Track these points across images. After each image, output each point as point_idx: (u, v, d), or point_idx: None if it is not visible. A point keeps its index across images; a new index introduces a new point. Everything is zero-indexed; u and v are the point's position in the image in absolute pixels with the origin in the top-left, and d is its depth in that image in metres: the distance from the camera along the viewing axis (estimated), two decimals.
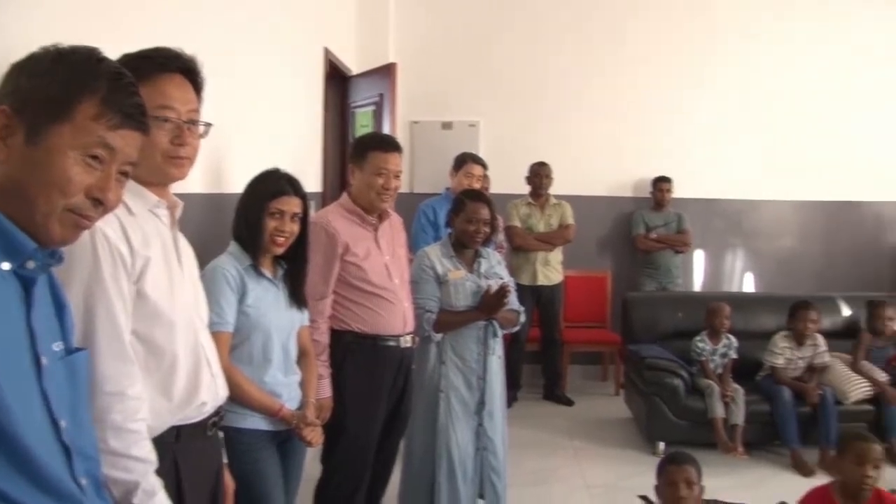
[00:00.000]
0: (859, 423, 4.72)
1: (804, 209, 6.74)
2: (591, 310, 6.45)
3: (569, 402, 5.90)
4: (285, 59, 4.28)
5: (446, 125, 6.52)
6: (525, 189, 5.94)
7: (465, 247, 3.43)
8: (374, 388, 3.09)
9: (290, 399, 2.57)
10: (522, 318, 3.59)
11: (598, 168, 6.52)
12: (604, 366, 6.55)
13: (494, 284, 3.33)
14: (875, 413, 4.84)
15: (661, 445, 4.81)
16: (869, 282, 6.29)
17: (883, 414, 4.81)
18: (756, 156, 6.54)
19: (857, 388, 4.85)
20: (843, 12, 6.55)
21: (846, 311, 5.46)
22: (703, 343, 4.99)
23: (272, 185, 2.54)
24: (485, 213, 3.39)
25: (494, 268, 3.50)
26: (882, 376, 4.94)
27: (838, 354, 5.09)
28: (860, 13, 6.55)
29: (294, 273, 2.60)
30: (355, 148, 3.21)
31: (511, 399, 5.81)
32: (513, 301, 3.47)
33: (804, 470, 4.58)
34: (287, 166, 2.64)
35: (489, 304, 3.30)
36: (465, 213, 3.39)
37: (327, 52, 5.21)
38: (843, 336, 5.28)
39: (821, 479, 3.56)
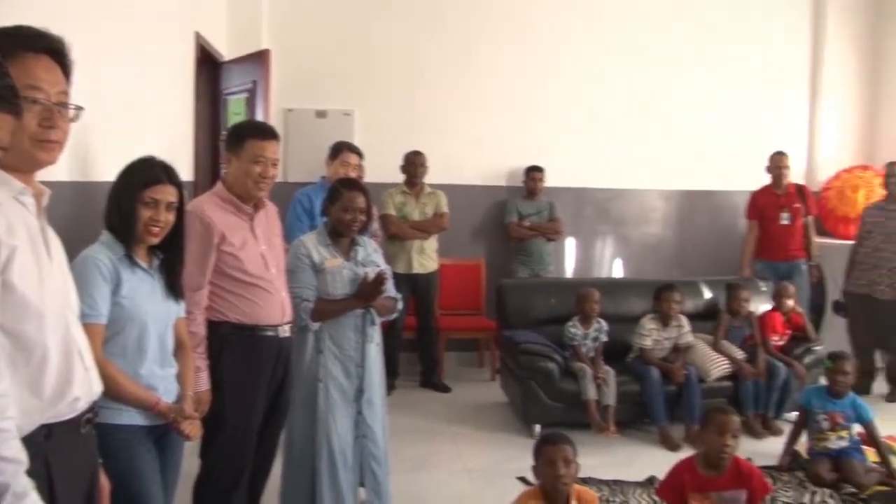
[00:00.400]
0: (720, 399, 5.00)
1: (668, 198, 7.07)
2: (466, 297, 6.55)
3: (446, 389, 5.98)
4: (154, 43, 4.12)
5: (321, 113, 6.45)
6: (400, 178, 5.96)
7: (341, 235, 3.42)
8: (253, 380, 3.04)
9: (166, 392, 2.49)
10: (400, 306, 3.61)
11: (472, 157, 6.62)
12: (480, 352, 6.66)
13: (371, 272, 3.34)
14: (733, 388, 5.14)
15: (537, 428, 4.92)
16: (726, 266, 6.63)
17: (740, 389, 5.12)
18: (624, 146, 6.80)
19: (717, 367, 5.14)
20: (705, 8, 6.91)
21: (707, 294, 5.76)
22: (574, 328, 5.15)
23: (146, 173, 2.44)
24: (361, 201, 3.39)
25: (371, 256, 3.50)
26: (739, 354, 5.24)
27: (700, 335, 5.37)
28: (720, 10, 6.92)
29: (170, 263, 2.52)
30: (231, 135, 3.14)
31: (389, 387, 5.82)
32: (390, 289, 3.48)
33: (671, 445, 4.80)
34: (156, 154, 2.54)
35: (366, 291, 3.30)
36: (341, 202, 3.38)
37: (198, 37, 5.06)
38: (704, 318, 5.57)
39: (687, 453, 3.73)
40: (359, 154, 4.97)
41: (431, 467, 4.53)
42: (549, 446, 2.95)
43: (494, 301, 5.84)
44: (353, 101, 6.51)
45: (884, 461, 4.43)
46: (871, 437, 4.48)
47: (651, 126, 6.85)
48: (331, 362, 3.35)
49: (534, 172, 6.45)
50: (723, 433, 3.23)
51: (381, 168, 6.01)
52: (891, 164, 5.89)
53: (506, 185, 6.70)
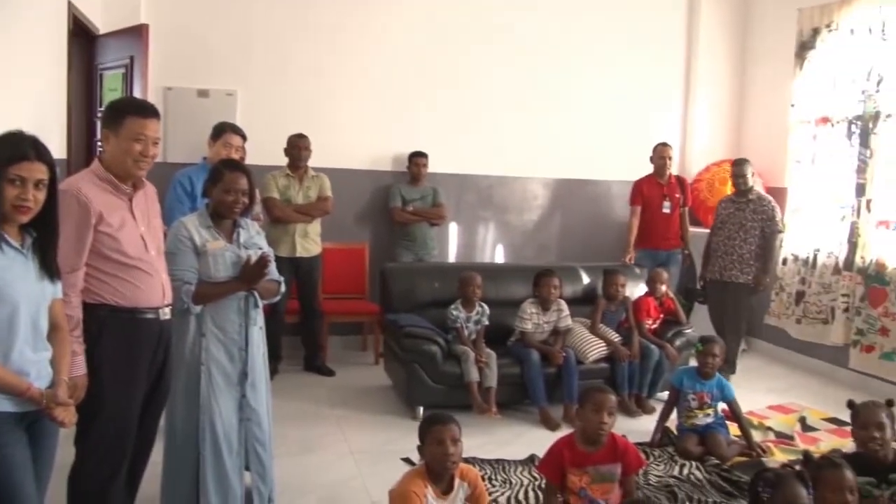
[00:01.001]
0: (597, 380, 5.20)
1: (549, 185, 7.27)
2: (349, 281, 6.54)
3: (330, 373, 5.97)
4: (21, 10, 3.91)
5: (202, 93, 6.27)
6: (283, 161, 5.88)
7: (223, 217, 3.35)
8: (132, 364, 2.95)
9: (39, 377, 2.38)
10: (282, 289, 3.58)
11: (357, 142, 6.60)
12: (363, 336, 6.67)
13: (254, 255, 3.29)
14: (609, 370, 5.35)
15: (420, 410, 4.99)
16: (604, 252, 6.89)
17: (615, 370, 5.33)
18: (507, 135, 6.95)
19: (594, 349, 5.33)
20: (586, 3, 7.11)
21: (585, 279, 5.95)
22: (457, 311, 5.23)
23: (11, 148, 2.31)
24: (243, 183, 3.33)
25: (254, 238, 3.45)
26: (615, 337, 5.46)
27: (579, 319, 5.56)
28: (601, 6, 7.14)
29: (44, 243, 2.41)
30: (110, 112, 3.01)
31: (272, 371, 5.75)
32: (273, 271, 3.45)
33: (551, 424, 4.96)
34: (25, 129, 2.40)
35: (249, 274, 3.25)
36: (222, 183, 3.31)
37: (71, 7, 4.83)
38: (582, 302, 5.76)
39: (566, 432, 3.86)
40: (242, 136, 4.88)
41: (316, 450, 4.52)
42: (437, 426, 2.99)
43: (378, 285, 5.87)
44: (236, 81, 6.37)
45: (745, 435, 4.73)
46: (734, 414, 4.77)
47: (533, 116, 7.02)
48: (214, 345, 3.29)
49: (418, 158, 6.49)
50: (600, 410, 3.37)
51: (264, 150, 5.91)
52: (738, 164, 6.25)
53: (391, 170, 6.72)
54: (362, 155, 6.63)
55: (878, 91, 6.17)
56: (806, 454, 3.24)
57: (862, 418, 3.46)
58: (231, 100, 6.31)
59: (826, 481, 2.97)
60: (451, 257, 6.96)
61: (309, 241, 5.84)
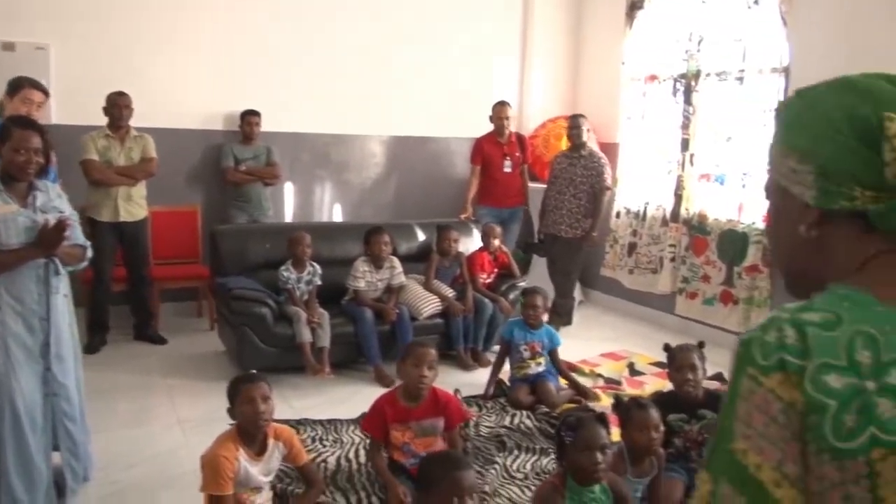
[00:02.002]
0: (432, 336, 5.24)
1: (387, 144, 7.21)
2: (181, 245, 6.28)
3: (162, 341, 5.74)
4: None
5: (7, 46, 5.77)
6: (103, 120, 5.53)
7: (15, 179, 3.12)
8: None
9: None
10: (89, 254, 3.38)
11: (185, 100, 6.29)
12: (198, 301, 6.45)
13: (52, 219, 3.09)
14: (444, 325, 5.40)
15: (260, 374, 4.87)
16: (443, 210, 6.90)
17: (450, 325, 5.38)
18: (343, 92, 6.80)
19: (428, 305, 5.36)
20: None
21: (421, 236, 5.96)
22: (287, 272, 5.13)
23: None
24: (35, 141, 3.10)
25: (53, 201, 3.23)
26: (449, 292, 5.50)
27: (414, 276, 5.56)
28: None
29: None
30: None
31: (99, 343, 5.52)
32: (77, 236, 3.26)
33: (386, 382, 4.94)
34: None
35: (47, 239, 3.03)
36: (12, 142, 3.07)
37: None
38: (418, 259, 5.78)
39: None
40: (44, 91, 4.55)
41: (144, 422, 4.37)
42: (246, 385, 2.92)
43: (209, 248, 5.67)
44: (48, 34, 5.88)
45: (571, 382, 4.92)
46: (553, 361, 4.93)
47: (370, 73, 6.91)
48: (10, 318, 3.07)
49: (250, 117, 6.27)
50: (419, 365, 3.38)
51: (81, 110, 5.58)
52: (573, 117, 6.42)
53: (222, 129, 6.46)
54: (191, 114, 6.34)
55: (699, 51, 6.43)
56: (616, 397, 3.38)
57: (677, 361, 3.62)
58: (42, 54, 5.84)
59: (634, 421, 3.11)
60: (288, 217, 6.81)
61: (133, 205, 5.55)
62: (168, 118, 6.15)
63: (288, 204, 6.82)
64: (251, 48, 6.45)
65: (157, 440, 4.13)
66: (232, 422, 2.96)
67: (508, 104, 6.62)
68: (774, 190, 1.06)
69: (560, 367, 4.93)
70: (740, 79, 6.05)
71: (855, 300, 0.91)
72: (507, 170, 6.58)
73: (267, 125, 6.34)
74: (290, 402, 4.64)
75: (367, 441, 3.94)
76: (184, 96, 6.27)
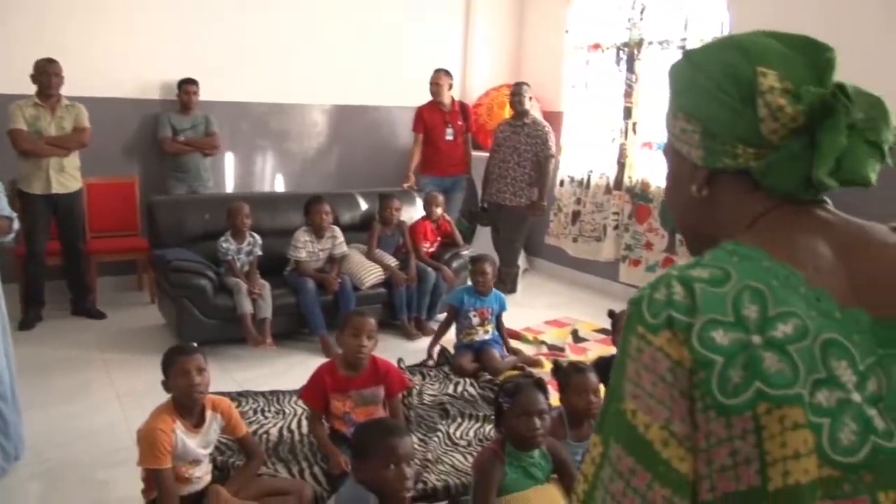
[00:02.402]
0: (375, 305, 5.22)
1: (329, 113, 7.11)
2: (119, 217, 6.13)
3: (100, 316, 5.62)
4: None
5: None
6: (32, 89, 5.34)
7: None
8: None
9: None
10: (16, 226, 3.28)
11: (120, 68, 6.10)
12: (138, 274, 6.32)
13: None
14: (387, 294, 5.38)
15: (195, 346, 4.81)
16: (386, 179, 6.86)
17: (393, 294, 5.36)
18: (283, 60, 6.68)
19: (371, 274, 5.33)
20: None
21: (364, 206, 5.91)
22: (227, 243, 5.05)
23: None
24: None
25: None
26: (392, 262, 5.48)
27: (356, 245, 5.52)
28: None
29: None
30: None
31: (34, 319, 5.39)
32: (2, 206, 3.15)
33: (330, 352, 4.87)
34: None
35: None
36: None
37: None
38: (360, 228, 5.74)
39: None
40: None
41: (80, 398, 4.28)
42: (180, 357, 2.87)
43: (147, 220, 5.55)
44: None
45: (509, 350, 4.97)
46: (498, 328, 4.96)
47: (312, 41, 6.80)
48: None
49: (188, 85, 6.11)
50: (359, 334, 3.36)
51: (9, 77, 5.37)
52: (517, 84, 6.41)
53: (159, 98, 6.29)
54: (127, 82, 6.16)
55: (641, 19, 6.45)
56: (555, 362, 3.40)
57: (619, 326, 3.66)
58: None
59: (572, 385, 3.14)
60: (229, 188, 6.69)
61: (66, 177, 5.38)
62: (102, 87, 5.98)
63: (228, 174, 6.70)
64: (188, 15, 6.28)
65: (94, 416, 4.05)
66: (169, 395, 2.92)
67: (446, 71, 6.57)
68: (669, 152, 1.07)
69: (502, 331, 4.97)
70: (682, 47, 6.09)
71: (743, 255, 0.91)
72: (450, 138, 6.55)
73: (205, 94, 6.20)
74: (232, 375, 4.58)
75: (308, 412, 3.93)
76: (118, 64, 6.09)
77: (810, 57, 0.94)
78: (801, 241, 0.93)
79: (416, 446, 3.13)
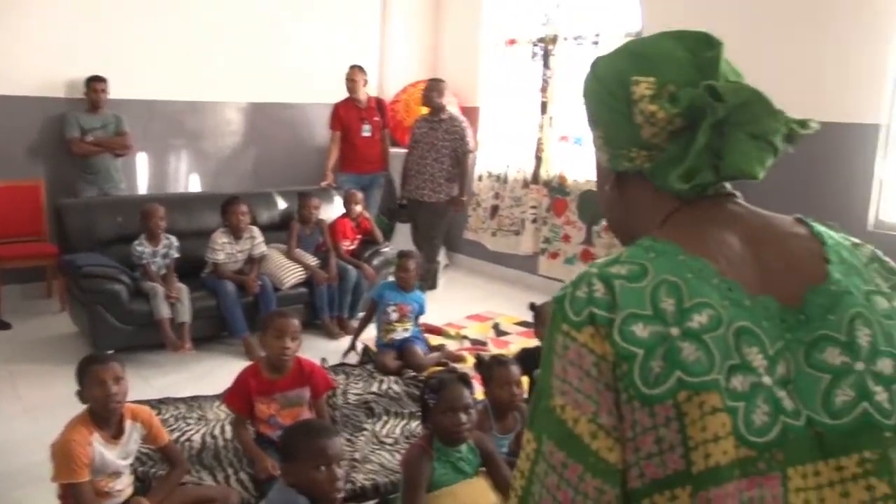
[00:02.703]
0: (297, 305, 5.16)
1: (244, 111, 6.99)
2: (23, 222, 5.84)
3: (5, 326, 5.38)
4: None
5: None
6: None
7: None
8: None
9: None
10: None
11: (21, 65, 5.83)
12: (47, 282, 6.08)
13: None
14: (309, 294, 5.32)
15: (111, 354, 4.66)
16: (303, 177, 6.75)
17: (315, 294, 5.31)
18: (196, 57, 6.51)
19: (291, 274, 5.27)
20: None
21: (282, 204, 5.83)
22: (141, 246, 4.90)
23: None
24: None
25: None
26: (312, 261, 5.42)
27: (276, 245, 5.45)
28: None
29: None
30: None
31: None
32: None
33: (253, 354, 4.80)
34: None
35: None
36: None
37: None
38: (280, 228, 5.66)
39: None
40: None
41: None
42: (95, 366, 2.78)
43: (55, 224, 5.34)
44: None
45: (436, 347, 4.99)
46: (426, 327, 4.99)
47: (225, 38, 6.64)
48: None
49: (96, 83, 5.89)
50: (282, 336, 3.31)
51: None
52: (432, 80, 6.43)
53: (65, 97, 6.04)
54: (29, 80, 5.89)
55: (556, 15, 6.53)
56: (478, 357, 3.42)
57: (543, 316, 3.71)
58: None
59: (495, 378, 3.16)
60: (142, 189, 6.48)
61: None
62: (1, 84, 5.72)
63: (141, 175, 6.49)
64: (95, 8, 6.05)
65: (1, 432, 3.87)
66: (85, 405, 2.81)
67: (360, 67, 6.54)
68: (594, 155, 1.12)
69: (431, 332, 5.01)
70: (596, 43, 6.20)
71: (659, 251, 0.95)
72: (366, 134, 6.52)
73: (115, 92, 5.99)
74: (151, 382, 4.46)
75: (232, 416, 3.85)
76: (18, 61, 5.82)
77: (699, 56, 0.99)
78: (713, 234, 0.97)
79: (343, 446, 3.10)
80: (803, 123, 0.98)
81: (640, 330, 0.88)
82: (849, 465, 0.89)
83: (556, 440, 0.91)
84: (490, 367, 3.18)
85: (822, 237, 1.00)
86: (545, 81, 6.62)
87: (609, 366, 0.88)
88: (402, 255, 5.00)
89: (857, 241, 1.04)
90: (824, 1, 4.76)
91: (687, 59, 0.99)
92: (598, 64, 1.08)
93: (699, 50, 0.99)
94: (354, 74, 6.45)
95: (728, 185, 1.04)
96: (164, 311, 4.73)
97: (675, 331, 0.88)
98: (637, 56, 1.02)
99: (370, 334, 4.98)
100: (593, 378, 0.89)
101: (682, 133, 0.96)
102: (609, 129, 1.04)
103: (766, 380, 0.89)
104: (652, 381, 0.87)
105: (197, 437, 3.78)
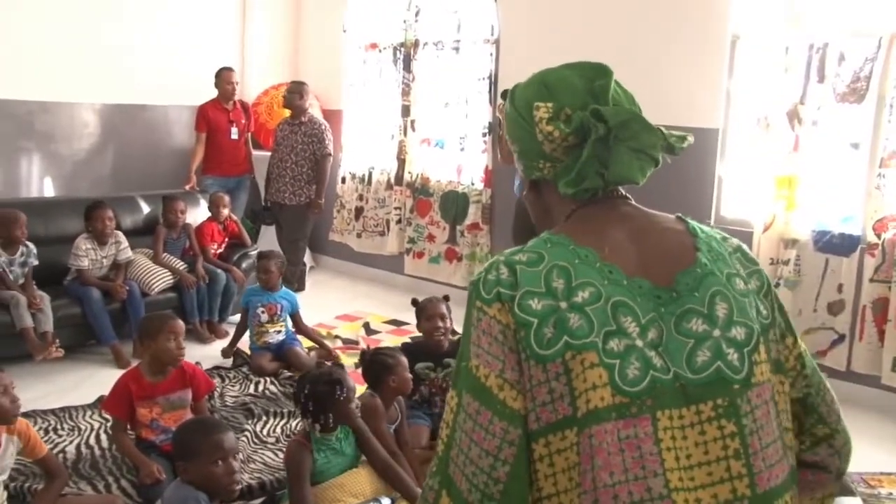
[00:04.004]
0: (166, 310, 5.06)
1: (100, 112, 6.76)
2: None
3: None
4: None
5: None
6: None
7: None
8: None
9: None
10: None
11: None
12: None
13: None
14: (178, 299, 5.26)
15: None
16: (165, 180, 6.60)
17: (184, 298, 5.25)
18: (49, 55, 6.22)
19: (159, 279, 5.19)
20: None
21: (146, 208, 5.71)
22: None
23: None
24: None
25: None
26: (180, 265, 5.36)
27: (141, 250, 5.34)
28: None
29: None
30: None
31: None
32: None
33: (123, 362, 4.75)
34: None
35: None
36: None
37: None
38: (144, 232, 5.54)
39: None
40: None
41: None
42: None
43: None
44: None
45: (315, 340, 5.06)
46: (297, 325, 5.04)
47: (79, 34, 6.38)
48: None
49: None
50: (176, 337, 3.33)
51: None
52: (293, 83, 6.49)
53: None
54: None
55: (417, 21, 6.71)
56: (362, 352, 3.55)
57: (427, 311, 3.87)
58: None
59: (390, 369, 3.32)
60: None
61: None
62: None
63: None
64: None
65: None
66: None
67: (233, 70, 6.51)
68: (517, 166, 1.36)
69: (304, 329, 5.04)
70: (456, 48, 6.42)
71: (555, 242, 1.19)
72: (235, 137, 6.48)
73: None
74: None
75: (109, 424, 3.79)
76: None
77: (591, 82, 1.23)
78: (602, 228, 1.22)
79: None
80: (681, 138, 1.25)
81: (535, 304, 1.12)
82: (705, 409, 1.11)
83: (472, 393, 1.14)
84: (375, 363, 3.32)
85: (695, 231, 1.25)
86: (407, 85, 6.77)
87: (512, 332, 1.12)
88: (262, 257, 5.06)
89: (725, 235, 1.30)
90: (670, 14, 5.14)
91: (583, 86, 1.23)
92: (513, 91, 1.32)
93: (593, 78, 1.23)
94: (230, 76, 6.40)
95: (622, 189, 1.29)
96: (27, 320, 4.52)
97: (563, 304, 1.11)
98: (542, 84, 1.26)
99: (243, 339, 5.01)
100: (500, 342, 1.13)
101: (576, 148, 1.20)
102: (522, 145, 1.28)
103: (639, 342, 1.11)
104: (545, 344, 1.10)
105: (71, 448, 3.69)
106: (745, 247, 1.30)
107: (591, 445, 1.08)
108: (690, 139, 1.28)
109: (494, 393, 1.12)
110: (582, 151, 1.19)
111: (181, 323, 3.38)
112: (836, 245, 4.57)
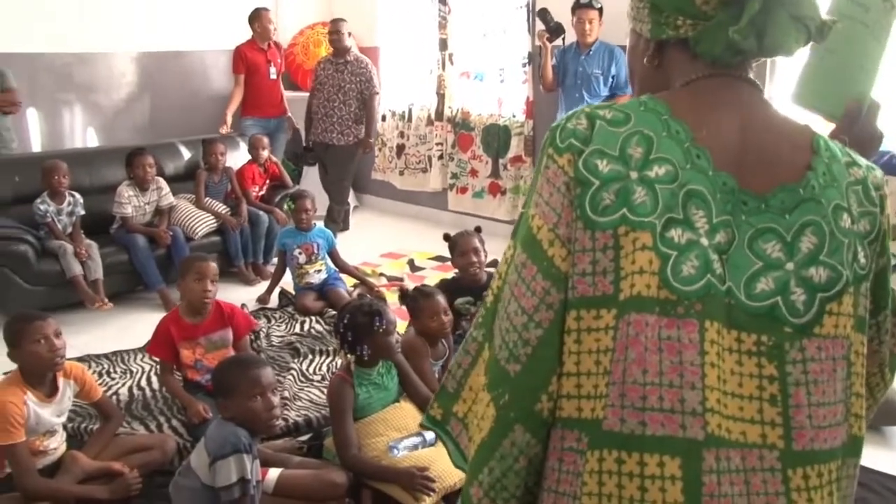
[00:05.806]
0: (211, 254, 5.10)
1: (136, 61, 6.74)
2: None
3: None
4: None
5: None
6: None
7: None
8: None
9: None
10: None
11: None
12: None
13: None
14: (222, 242, 5.29)
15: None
16: (201, 125, 6.54)
17: (228, 242, 5.29)
18: (83, 6, 6.22)
19: (202, 224, 5.22)
20: None
21: (186, 154, 5.73)
22: (45, 204, 4.73)
23: None
24: None
25: None
26: (222, 209, 5.39)
27: (183, 195, 5.38)
28: None
29: None
30: None
31: None
32: None
33: (170, 305, 4.71)
34: None
35: None
36: None
37: None
38: (186, 178, 5.57)
39: None
40: None
41: None
42: (32, 323, 2.74)
43: None
44: None
45: (356, 276, 5.05)
46: (336, 262, 5.03)
47: None
48: None
49: None
50: (202, 278, 3.34)
51: None
52: (334, 21, 6.35)
53: None
54: None
55: None
56: (402, 290, 3.52)
57: (459, 247, 3.82)
58: None
59: (423, 309, 3.28)
60: (36, 147, 6.22)
61: None
62: None
63: (34, 132, 6.22)
64: None
65: None
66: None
67: (269, 9, 6.44)
68: (630, 33, 1.21)
69: (342, 265, 5.03)
70: None
71: (649, 107, 1.07)
72: (273, 77, 6.42)
73: None
74: (69, 341, 4.34)
75: (157, 366, 3.86)
76: None
77: None
78: (710, 107, 1.08)
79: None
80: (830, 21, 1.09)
81: (602, 165, 1.02)
82: (746, 341, 1.00)
83: (522, 243, 1.08)
84: (416, 300, 3.29)
85: (818, 147, 1.08)
86: (443, 18, 6.63)
87: (574, 187, 1.03)
88: (296, 197, 5.06)
89: (857, 160, 1.11)
90: None
91: None
92: None
93: None
94: (269, 17, 6.32)
95: (752, 75, 1.13)
96: (77, 269, 4.62)
97: (633, 174, 1.01)
98: None
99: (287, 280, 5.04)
100: (561, 194, 1.04)
101: (731, 5, 1.04)
102: None
103: (704, 241, 1.00)
104: (599, 210, 1.01)
105: (124, 391, 3.78)
106: (873, 182, 1.10)
107: (627, 334, 0.99)
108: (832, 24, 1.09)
109: (544, 248, 1.05)
110: (738, 8, 1.03)
111: (211, 265, 3.39)
112: None
